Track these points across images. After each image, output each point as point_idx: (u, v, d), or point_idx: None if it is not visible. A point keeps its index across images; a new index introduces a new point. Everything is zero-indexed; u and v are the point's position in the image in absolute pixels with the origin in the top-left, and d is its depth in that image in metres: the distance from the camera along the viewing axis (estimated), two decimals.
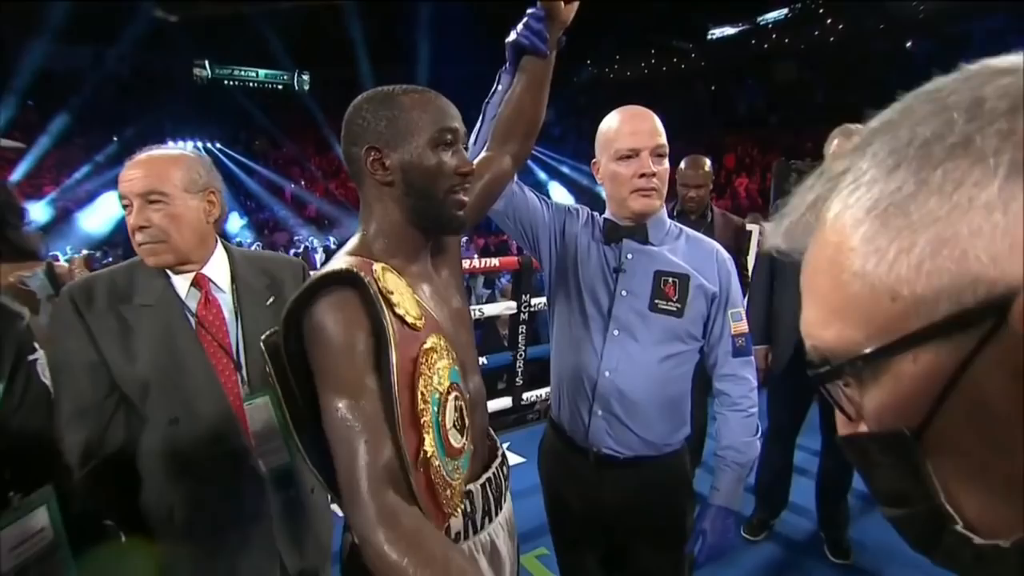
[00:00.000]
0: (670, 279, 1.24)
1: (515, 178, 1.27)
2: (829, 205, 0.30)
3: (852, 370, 0.30)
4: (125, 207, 1.12)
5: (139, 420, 1.13)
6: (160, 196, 1.10)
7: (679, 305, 1.24)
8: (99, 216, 13.06)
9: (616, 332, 1.26)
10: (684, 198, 2.57)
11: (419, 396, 0.76)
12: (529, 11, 1.07)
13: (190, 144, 16.46)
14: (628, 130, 1.23)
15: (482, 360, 3.49)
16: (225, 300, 1.20)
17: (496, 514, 0.96)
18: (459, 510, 0.85)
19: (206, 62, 18.29)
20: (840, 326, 0.30)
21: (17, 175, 12.66)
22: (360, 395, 0.74)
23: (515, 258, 3.56)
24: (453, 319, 0.93)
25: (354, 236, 0.90)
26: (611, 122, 1.27)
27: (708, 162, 2.64)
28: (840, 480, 2.30)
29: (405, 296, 0.80)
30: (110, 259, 9.90)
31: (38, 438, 0.86)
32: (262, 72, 19.38)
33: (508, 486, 1.03)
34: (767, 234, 0.34)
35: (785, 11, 15.98)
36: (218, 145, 17.05)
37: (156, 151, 1.17)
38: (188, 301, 1.16)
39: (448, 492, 0.79)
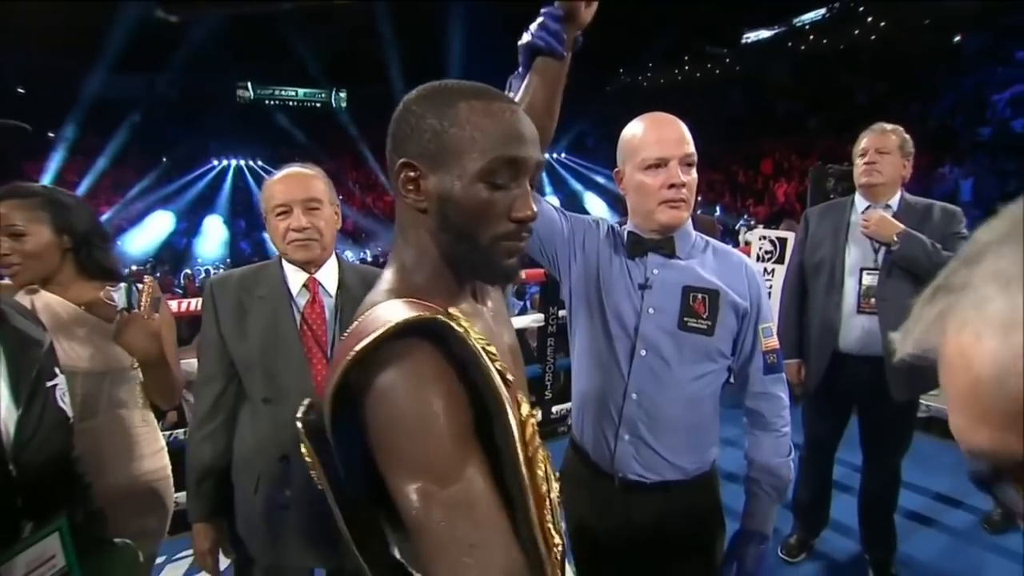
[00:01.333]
0: (699, 295, 1.18)
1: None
2: (955, 319, 0.32)
3: (1017, 472, 0.31)
4: (281, 213, 1.30)
5: (243, 394, 1.33)
6: (317, 204, 1.32)
7: (709, 323, 1.17)
8: (147, 235, 13.67)
9: (643, 352, 1.20)
10: None
11: (538, 475, 0.60)
12: (544, 10, 0.99)
13: (234, 162, 17.14)
14: (655, 138, 1.17)
15: None
16: (329, 303, 1.36)
17: None
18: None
19: (248, 83, 18.99)
20: (989, 431, 0.31)
21: (78, 194, 13.38)
22: (452, 479, 0.55)
23: (542, 269, 3.53)
24: (512, 360, 0.77)
25: (390, 267, 0.73)
26: (636, 129, 1.20)
27: None
28: (884, 498, 2.15)
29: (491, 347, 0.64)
30: (158, 274, 10.34)
31: (53, 466, 0.84)
32: (301, 91, 19.98)
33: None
34: (897, 340, 0.37)
35: (823, 11, 15.59)
36: (259, 162, 17.62)
37: (298, 167, 1.36)
38: (298, 299, 1.34)
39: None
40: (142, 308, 1.33)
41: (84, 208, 1.47)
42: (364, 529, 0.64)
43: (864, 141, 2.06)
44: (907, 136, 2.04)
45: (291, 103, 19.97)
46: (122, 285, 1.35)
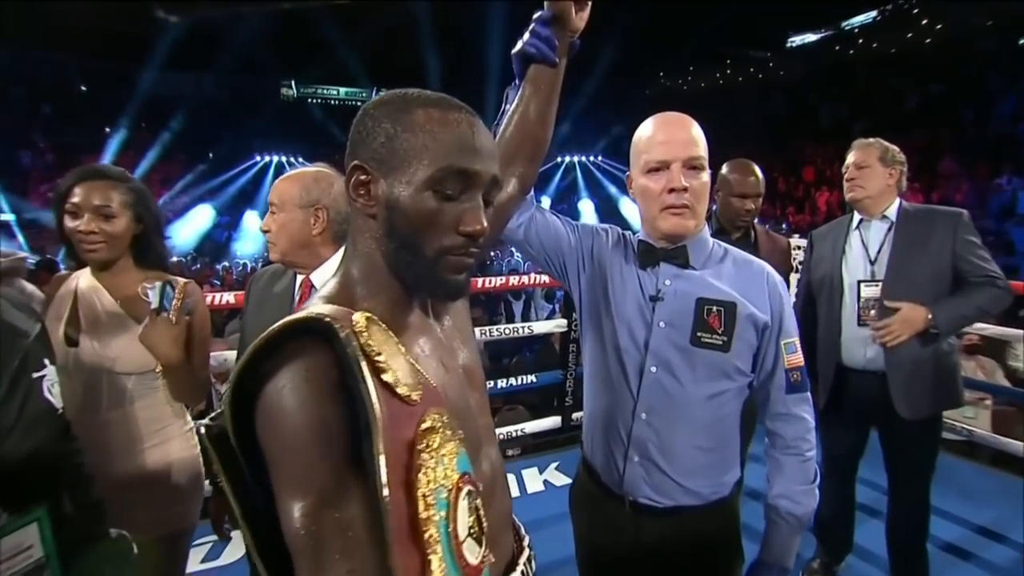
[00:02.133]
0: (714, 308, 1.10)
1: (535, 202, 1.19)
2: None
3: None
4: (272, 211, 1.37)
5: None
6: (274, 207, 1.35)
7: (725, 338, 1.09)
8: (190, 228, 14.15)
9: (654, 369, 1.12)
10: (739, 211, 2.09)
11: (420, 497, 0.53)
12: (535, 16, 0.96)
13: (275, 158, 17.61)
14: (660, 139, 1.10)
15: (531, 378, 3.43)
16: None
17: None
18: None
19: (292, 82, 19.47)
20: None
21: None
22: (335, 499, 0.51)
23: None
24: (460, 381, 0.72)
25: (335, 275, 0.70)
26: (644, 130, 1.14)
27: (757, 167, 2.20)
28: (911, 525, 2.01)
29: (396, 358, 0.57)
30: (198, 266, 10.68)
31: (34, 458, 0.82)
32: (343, 90, 20.37)
33: None
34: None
35: (874, 14, 15.06)
36: (300, 159, 18.01)
37: (297, 170, 1.40)
38: (297, 298, 1.39)
39: None
40: (172, 311, 1.35)
41: (153, 199, 1.53)
42: (278, 554, 0.55)
43: (847, 158, 2.04)
44: (890, 146, 1.99)
45: (333, 102, 20.35)
46: (157, 284, 1.37)
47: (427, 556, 0.52)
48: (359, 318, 0.57)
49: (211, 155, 16.59)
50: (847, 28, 15.79)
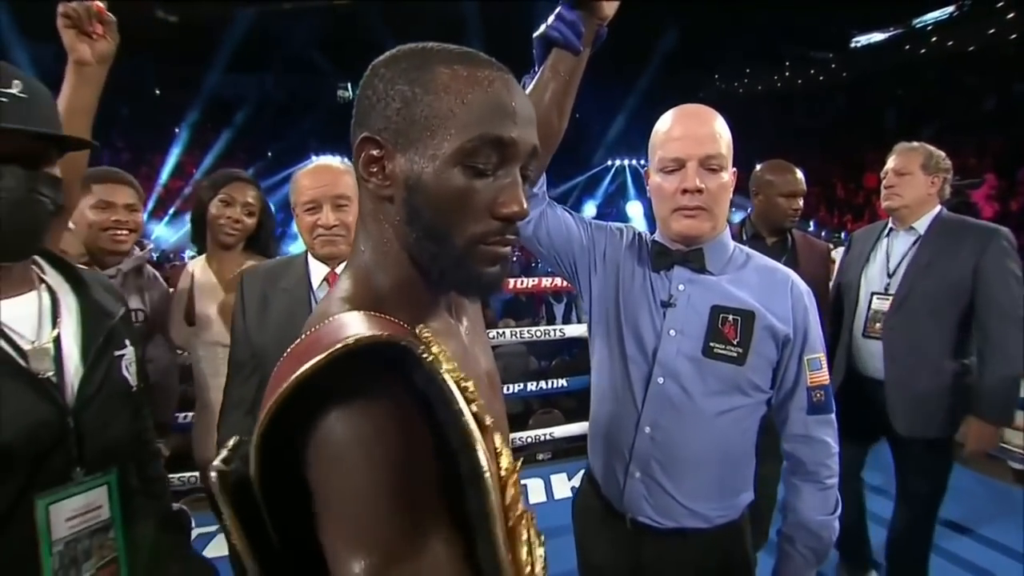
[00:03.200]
0: (730, 317, 1.02)
1: (546, 197, 1.14)
2: None
3: None
4: (310, 209, 1.32)
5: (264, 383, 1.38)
6: (346, 200, 1.32)
7: (740, 350, 1.01)
8: None
9: (661, 380, 1.05)
10: (786, 211, 2.02)
11: (520, 549, 0.48)
12: (562, 0, 0.89)
13: (329, 157, 18.24)
14: (676, 134, 1.03)
15: (562, 382, 3.37)
16: None
17: None
18: None
19: (348, 84, 20.02)
20: None
21: (189, 182, 14.86)
22: (418, 555, 0.42)
23: None
24: (487, 388, 0.62)
25: (348, 270, 0.59)
26: (662, 124, 1.07)
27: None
28: (909, 541, 1.94)
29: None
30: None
31: (109, 427, 0.89)
32: None
33: None
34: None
35: (951, 9, 14.19)
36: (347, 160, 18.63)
37: (327, 161, 1.39)
38: (318, 292, 1.35)
39: None
40: None
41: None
42: None
43: (887, 162, 1.95)
44: (935, 151, 1.88)
45: None
46: None
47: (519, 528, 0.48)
48: (426, 334, 0.50)
49: (269, 154, 17.28)
50: (919, 26, 14.96)
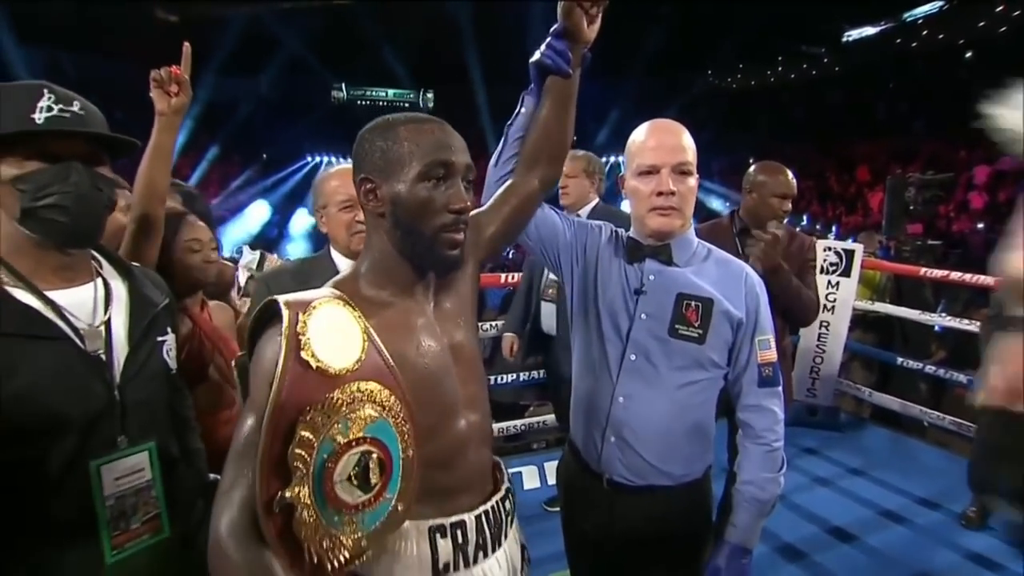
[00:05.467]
0: (693, 303, 1.19)
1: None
2: None
3: None
4: (346, 207, 1.45)
5: None
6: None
7: (700, 331, 1.18)
8: (244, 225, 14.76)
9: (633, 357, 1.21)
10: (777, 211, 2.11)
11: (297, 441, 0.71)
12: (551, 29, 1.04)
13: (326, 158, 18.21)
14: (651, 144, 1.20)
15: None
16: None
17: (494, 550, 0.91)
18: (365, 555, 0.77)
19: (343, 84, 20.02)
20: None
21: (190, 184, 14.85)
22: (245, 423, 0.76)
23: None
24: (442, 355, 0.88)
25: (355, 264, 0.92)
26: (637, 135, 1.24)
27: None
28: None
29: (335, 335, 0.76)
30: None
31: (148, 403, 1.02)
32: (391, 91, 20.81)
33: (511, 522, 0.98)
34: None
35: (941, 3, 14.29)
36: (348, 159, 18.50)
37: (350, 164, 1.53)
38: None
39: (327, 542, 0.73)
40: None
41: None
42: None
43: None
44: (594, 158, 2.58)
45: (381, 103, 20.80)
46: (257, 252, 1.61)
47: (284, 482, 0.71)
48: (321, 303, 0.78)
49: (264, 156, 17.28)
50: (909, 20, 15.06)
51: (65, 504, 0.91)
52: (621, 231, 1.32)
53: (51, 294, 0.93)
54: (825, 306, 3.48)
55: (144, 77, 1.34)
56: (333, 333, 0.76)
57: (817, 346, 3.60)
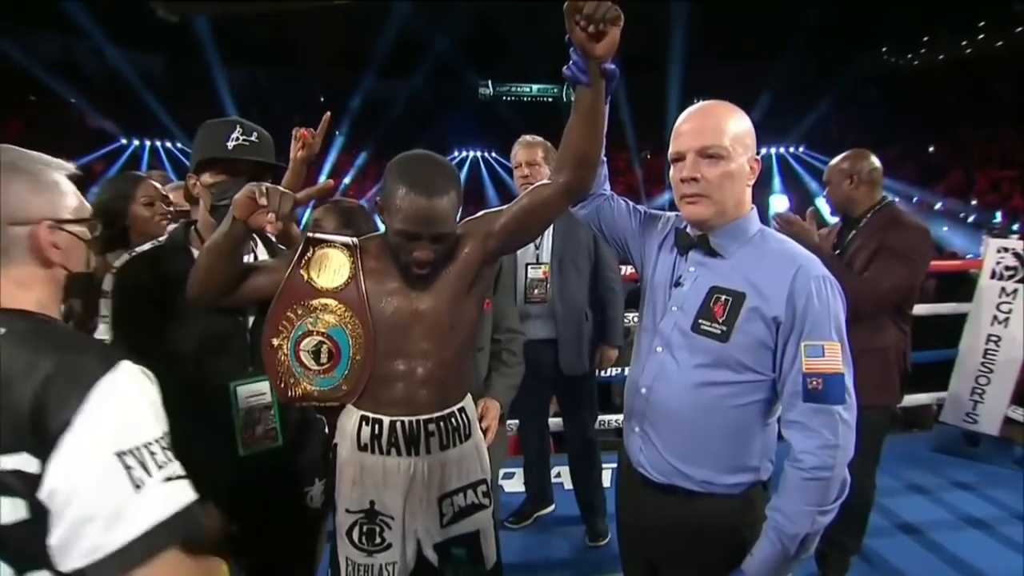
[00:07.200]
0: (723, 297, 1.10)
1: (604, 192, 1.35)
2: None
3: None
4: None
5: None
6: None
7: (724, 328, 1.08)
8: None
9: (659, 349, 1.19)
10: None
11: (286, 316, 1.16)
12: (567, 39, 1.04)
13: (471, 153, 19.28)
14: (683, 130, 1.14)
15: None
16: None
17: (407, 454, 1.19)
18: (311, 402, 1.20)
19: (489, 81, 20.82)
20: None
21: (347, 179, 16.47)
22: (274, 264, 1.24)
23: None
24: (405, 315, 1.18)
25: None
26: (678, 121, 1.18)
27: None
28: (590, 454, 2.46)
29: (329, 267, 1.18)
30: None
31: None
32: (535, 87, 21.22)
33: (438, 446, 1.21)
34: None
35: None
36: (493, 154, 19.43)
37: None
38: None
39: (291, 379, 1.17)
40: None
41: None
42: None
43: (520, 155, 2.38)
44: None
45: (526, 99, 21.33)
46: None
47: (277, 327, 1.17)
48: (327, 246, 1.20)
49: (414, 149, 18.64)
50: None
51: (214, 409, 1.29)
52: (677, 217, 1.28)
53: None
54: (996, 318, 3.00)
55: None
56: (326, 264, 1.18)
57: (983, 364, 3.06)
